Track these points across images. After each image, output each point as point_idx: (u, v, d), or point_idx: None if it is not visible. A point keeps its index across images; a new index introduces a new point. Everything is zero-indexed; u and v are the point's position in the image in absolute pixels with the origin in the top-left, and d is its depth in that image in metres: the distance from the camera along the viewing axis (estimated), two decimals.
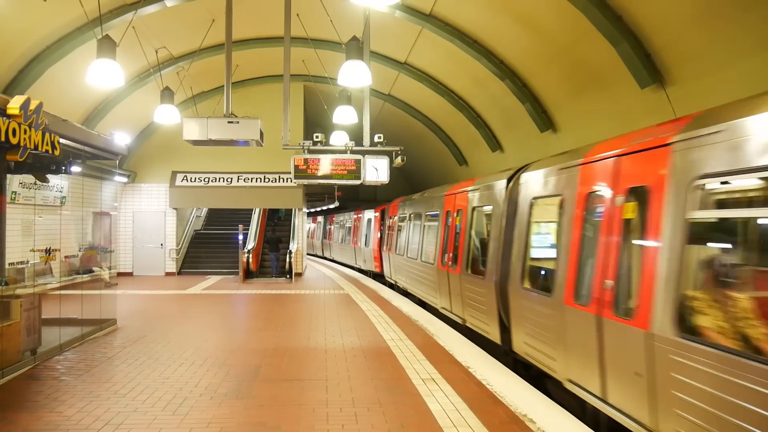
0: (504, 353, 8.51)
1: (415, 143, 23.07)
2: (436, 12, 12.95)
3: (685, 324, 4.35)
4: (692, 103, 9.24)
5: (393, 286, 17.97)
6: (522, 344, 7.70)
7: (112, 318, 10.33)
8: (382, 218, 21.42)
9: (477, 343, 9.10)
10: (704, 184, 4.39)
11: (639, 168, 5.32)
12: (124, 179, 19.87)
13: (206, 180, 20.11)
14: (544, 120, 13.68)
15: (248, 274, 19.57)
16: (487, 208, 9.85)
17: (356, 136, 11.36)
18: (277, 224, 24.01)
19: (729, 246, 4.53)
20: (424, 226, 14.34)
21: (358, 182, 10.20)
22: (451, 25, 13.21)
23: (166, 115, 12.84)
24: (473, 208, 10.54)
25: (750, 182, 4.11)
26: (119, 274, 19.23)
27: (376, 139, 10.38)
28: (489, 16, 12.37)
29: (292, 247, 20.89)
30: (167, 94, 13.06)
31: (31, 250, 9.02)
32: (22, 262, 8.96)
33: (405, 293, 16.05)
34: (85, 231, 14.92)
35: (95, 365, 7.59)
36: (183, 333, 10.01)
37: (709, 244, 4.69)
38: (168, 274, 20.55)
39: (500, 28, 12.54)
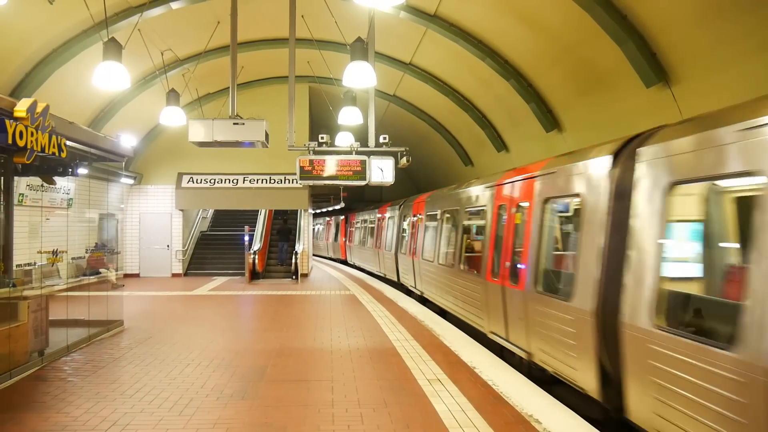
0: (399, 286, 17.70)
1: (420, 144, 23.06)
2: (440, 12, 12.95)
3: (423, 256, 14.51)
4: (698, 101, 9.21)
5: (352, 266, 27.88)
6: (403, 279, 17.31)
7: (118, 319, 10.38)
8: (346, 222, 31.01)
9: (390, 285, 18.39)
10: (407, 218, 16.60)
11: (417, 207, 16.03)
12: (131, 181, 19.95)
13: (212, 181, 20.16)
14: (550, 120, 13.65)
15: (254, 275, 19.59)
16: (392, 219, 19.75)
17: (361, 136, 11.36)
18: (289, 216, 23.99)
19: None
20: (370, 227, 24.11)
21: (363, 183, 10.19)
22: (456, 26, 13.21)
23: (172, 117, 12.89)
24: (389, 218, 20.27)
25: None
26: (126, 276, 19.30)
27: (381, 140, 10.37)
28: (494, 16, 12.35)
29: (298, 248, 20.91)
30: (173, 95, 13.11)
31: (38, 252, 9.07)
32: (29, 264, 9.01)
33: (359, 269, 25.64)
34: (92, 232, 14.98)
35: (102, 366, 7.62)
36: (189, 334, 10.04)
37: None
38: (174, 275, 20.61)
39: (505, 28, 12.53)
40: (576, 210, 6.85)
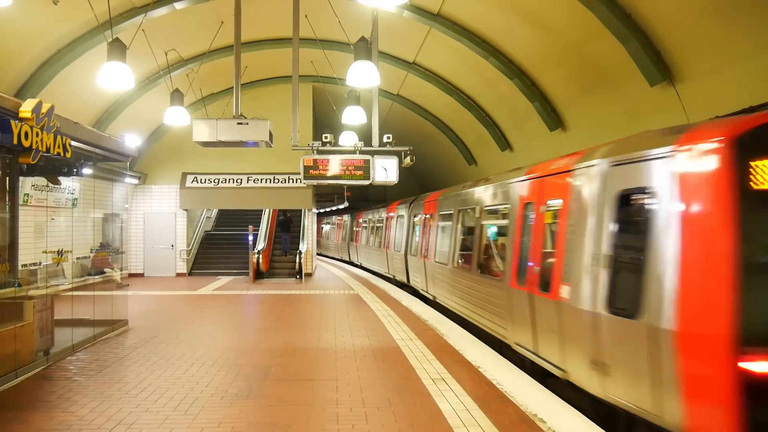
0: (351, 264, 28.64)
1: (424, 143, 23.06)
2: (444, 12, 12.94)
3: (361, 243, 26.77)
4: (703, 100, 9.19)
5: (319, 254, 35.07)
6: (352, 258, 28.97)
7: (123, 319, 10.40)
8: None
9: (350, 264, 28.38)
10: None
11: (359, 216, 28.10)
12: (135, 181, 19.99)
13: (216, 181, 20.19)
14: (554, 119, 13.64)
15: (258, 275, 19.63)
16: (346, 223, 31.38)
17: (365, 136, 11.37)
18: (293, 213, 24.08)
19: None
20: (333, 227, 36.68)
21: (367, 182, 10.20)
22: (460, 25, 13.20)
23: (176, 117, 12.92)
24: (344, 222, 31.81)
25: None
26: (130, 275, 19.34)
27: (385, 140, 10.37)
28: (497, 15, 12.34)
29: (302, 247, 20.94)
30: (177, 95, 13.14)
31: (43, 252, 9.09)
32: (34, 264, 9.03)
33: (324, 256, 36.02)
34: (96, 232, 15.00)
35: (107, 366, 7.64)
36: (194, 333, 10.07)
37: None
38: (179, 274, 20.66)
39: (508, 27, 12.51)
40: (400, 221, 18.43)
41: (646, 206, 5.19)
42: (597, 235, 5.84)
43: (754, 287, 4.28)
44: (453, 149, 21.46)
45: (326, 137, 10.29)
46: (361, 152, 10.21)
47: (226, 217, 26.67)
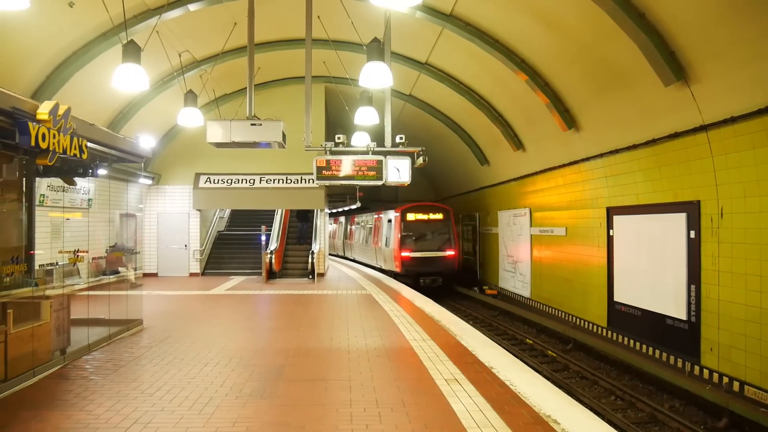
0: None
1: (436, 143, 23.03)
2: (456, 12, 12.92)
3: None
4: (718, 100, 9.11)
5: None
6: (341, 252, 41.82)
7: (138, 318, 10.48)
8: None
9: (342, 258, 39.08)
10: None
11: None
12: (149, 181, 20.14)
13: (229, 181, 20.29)
14: (567, 119, 13.57)
15: (271, 275, 19.68)
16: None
17: (378, 137, 11.37)
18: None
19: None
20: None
21: (380, 183, 10.17)
22: (472, 25, 13.17)
23: (190, 118, 12.98)
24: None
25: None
26: (145, 275, 19.49)
27: (397, 140, 10.34)
28: (510, 15, 12.31)
29: (315, 247, 20.99)
30: (190, 97, 13.21)
31: (59, 252, 9.18)
32: (51, 264, 9.12)
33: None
34: (111, 232, 15.13)
35: (123, 365, 7.72)
36: (208, 333, 10.13)
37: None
38: (192, 274, 20.79)
39: (521, 27, 12.47)
40: (341, 224, 38.32)
41: (390, 223, 24.20)
42: (385, 230, 24.92)
43: (404, 240, 22.93)
44: (465, 149, 21.41)
45: (339, 138, 10.29)
46: (374, 153, 10.20)
47: (238, 218, 26.80)
